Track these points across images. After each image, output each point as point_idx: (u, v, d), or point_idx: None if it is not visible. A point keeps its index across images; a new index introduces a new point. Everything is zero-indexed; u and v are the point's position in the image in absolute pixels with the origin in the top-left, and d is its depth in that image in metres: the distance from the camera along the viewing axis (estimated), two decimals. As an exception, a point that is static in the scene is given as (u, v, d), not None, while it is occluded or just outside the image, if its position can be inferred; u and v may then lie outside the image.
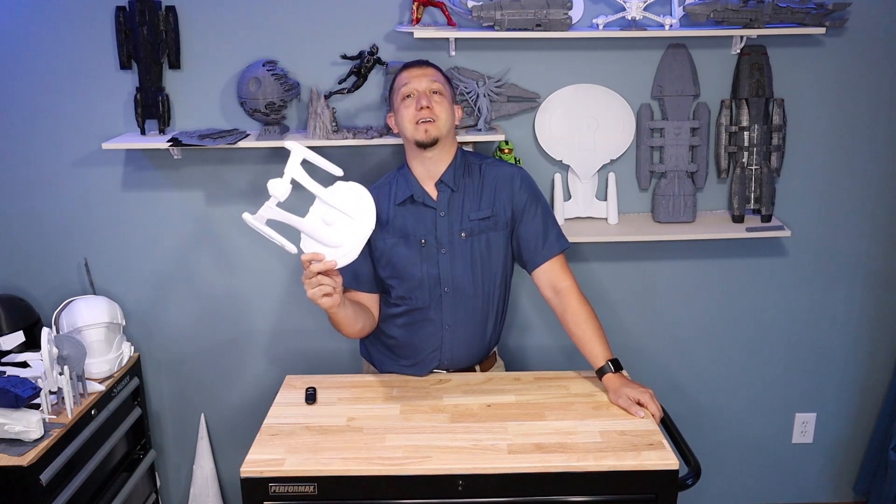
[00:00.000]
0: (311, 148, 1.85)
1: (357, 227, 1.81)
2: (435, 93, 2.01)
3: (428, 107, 1.98)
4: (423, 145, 2.00)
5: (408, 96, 2.01)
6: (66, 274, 2.58)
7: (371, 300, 2.14)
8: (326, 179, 1.84)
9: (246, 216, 1.75)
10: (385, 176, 2.16)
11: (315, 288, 1.80)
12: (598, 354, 1.99)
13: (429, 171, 2.06)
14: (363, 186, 1.86)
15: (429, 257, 2.06)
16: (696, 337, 2.73)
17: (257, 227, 1.75)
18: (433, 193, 2.07)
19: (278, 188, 1.76)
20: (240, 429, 2.70)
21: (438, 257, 2.06)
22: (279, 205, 1.78)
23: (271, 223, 1.77)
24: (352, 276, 2.08)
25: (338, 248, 1.80)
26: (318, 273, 1.79)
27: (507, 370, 2.31)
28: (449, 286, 2.07)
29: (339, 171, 1.81)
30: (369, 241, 2.04)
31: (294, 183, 1.78)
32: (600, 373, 1.99)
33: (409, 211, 2.07)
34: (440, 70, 2.09)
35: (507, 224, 2.09)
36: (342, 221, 1.81)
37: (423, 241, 2.06)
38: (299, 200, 1.85)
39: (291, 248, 1.76)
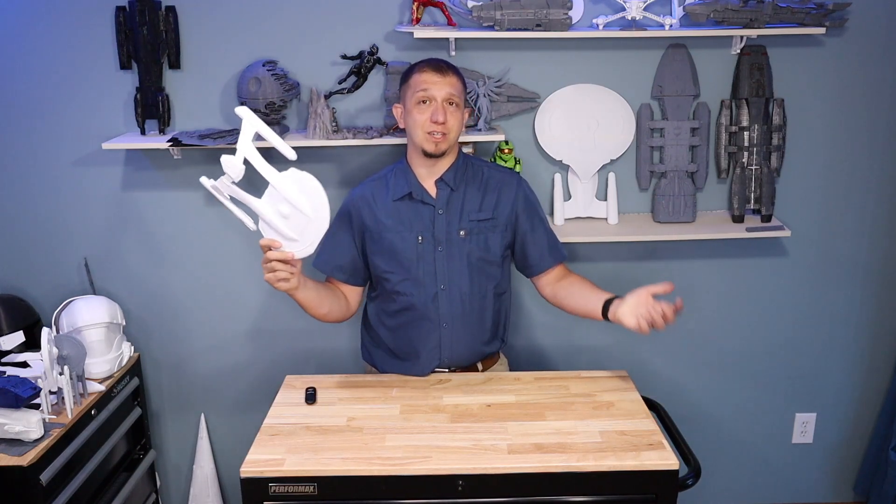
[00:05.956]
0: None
1: (313, 226, 1.77)
2: (451, 103, 1.99)
3: (443, 122, 1.96)
4: (431, 156, 2.01)
5: (423, 101, 1.98)
6: (66, 274, 2.58)
7: (351, 291, 2.14)
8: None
9: (203, 180, 1.73)
10: (382, 169, 2.15)
11: (270, 273, 1.81)
12: (598, 297, 1.99)
13: (430, 170, 2.07)
14: (316, 179, 1.77)
15: (425, 254, 2.06)
16: (696, 337, 2.73)
17: (218, 196, 1.73)
18: (432, 191, 2.07)
19: (232, 167, 1.70)
20: (240, 429, 2.70)
21: (435, 254, 2.06)
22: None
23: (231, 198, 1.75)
24: (334, 267, 2.11)
25: (294, 243, 1.78)
26: (276, 259, 1.79)
27: (510, 369, 2.31)
28: (445, 283, 2.07)
29: (292, 155, 1.72)
30: (361, 235, 2.07)
31: (246, 163, 1.71)
32: (607, 306, 1.96)
33: (407, 207, 2.07)
34: (459, 74, 2.03)
35: (507, 227, 2.10)
36: (298, 217, 1.76)
37: (419, 237, 2.06)
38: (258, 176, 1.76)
39: (251, 225, 1.76)
